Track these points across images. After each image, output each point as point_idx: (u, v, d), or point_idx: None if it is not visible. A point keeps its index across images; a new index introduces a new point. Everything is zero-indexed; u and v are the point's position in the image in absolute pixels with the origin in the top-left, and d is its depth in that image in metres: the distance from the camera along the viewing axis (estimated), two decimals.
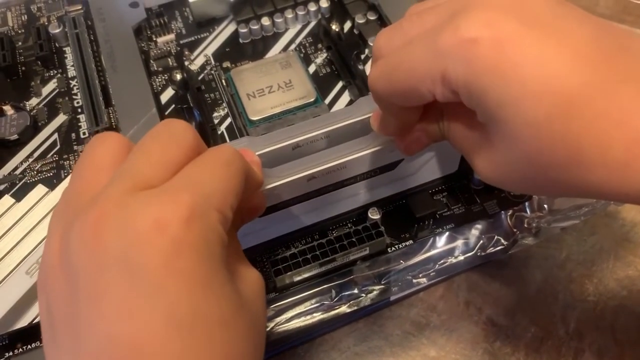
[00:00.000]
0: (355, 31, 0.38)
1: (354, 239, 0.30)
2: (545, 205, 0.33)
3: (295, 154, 0.28)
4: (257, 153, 0.27)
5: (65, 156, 0.34)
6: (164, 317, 0.17)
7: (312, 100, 0.35)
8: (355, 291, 0.31)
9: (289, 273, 0.30)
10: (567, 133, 0.18)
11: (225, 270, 0.19)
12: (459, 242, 0.32)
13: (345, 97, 0.36)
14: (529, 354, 0.31)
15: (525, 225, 0.33)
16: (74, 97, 0.37)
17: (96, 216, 0.18)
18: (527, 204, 0.33)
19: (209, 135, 0.34)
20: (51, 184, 0.33)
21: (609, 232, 0.35)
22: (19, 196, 0.32)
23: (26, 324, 0.28)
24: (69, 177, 0.33)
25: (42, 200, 0.32)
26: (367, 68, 0.36)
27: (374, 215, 0.31)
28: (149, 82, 0.35)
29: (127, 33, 0.38)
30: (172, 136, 0.21)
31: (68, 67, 0.38)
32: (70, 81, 0.38)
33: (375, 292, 0.31)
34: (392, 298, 0.32)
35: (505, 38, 0.18)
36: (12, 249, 0.30)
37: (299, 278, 0.30)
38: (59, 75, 0.38)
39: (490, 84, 0.19)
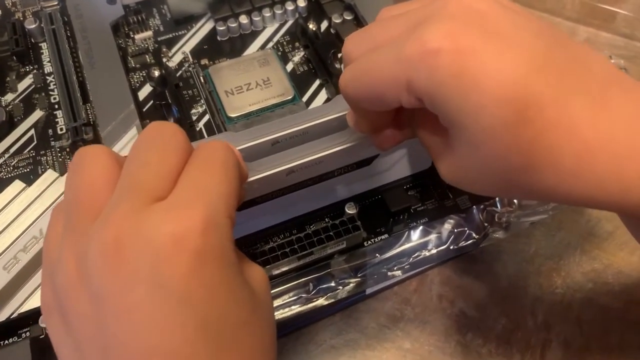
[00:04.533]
0: (332, 30, 0.39)
1: (331, 233, 0.31)
2: (515, 201, 0.35)
3: (274, 150, 0.29)
4: (237, 148, 0.28)
5: (42, 152, 0.34)
6: (194, 326, 0.18)
7: (290, 98, 0.35)
8: (333, 284, 0.31)
9: (267, 267, 0.30)
10: (520, 140, 0.19)
11: (240, 273, 0.20)
12: (432, 236, 0.33)
13: (323, 95, 0.37)
14: (499, 345, 0.32)
15: (496, 220, 0.34)
16: (51, 93, 0.37)
17: (114, 236, 0.18)
18: (497, 198, 0.34)
19: (187, 132, 0.34)
20: (28, 180, 0.33)
21: (575, 227, 0.37)
22: None
23: (4, 319, 0.28)
24: (47, 173, 0.33)
25: (19, 196, 0.32)
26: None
27: (351, 210, 0.32)
28: (127, 78, 0.36)
29: (105, 30, 0.38)
30: (166, 142, 0.21)
31: (44, 63, 0.38)
32: (47, 77, 0.38)
33: (351, 285, 0.32)
34: (368, 291, 0.33)
35: (465, 49, 0.19)
36: None
37: (277, 272, 0.31)
38: (35, 71, 0.38)
39: (451, 92, 0.19)
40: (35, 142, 0.35)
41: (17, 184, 0.32)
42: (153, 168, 0.20)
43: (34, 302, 0.28)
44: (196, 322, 0.18)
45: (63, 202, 0.22)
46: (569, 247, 0.36)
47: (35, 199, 0.32)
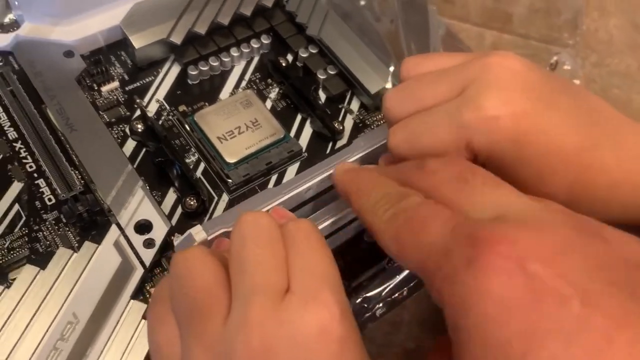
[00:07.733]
0: (299, 64, 0.40)
1: None
2: None
3: (307, 196, 0.30)
4: (276, 203, 0.29)
5: (36, 227, 0.32)
6: None
7: (282, 137, 0.36)
8: None
9: None
10: (563, 183, 0.24)
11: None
12: None
13: (308, 129, 0.38)
14: None
15: None
16: (25, 161, 0.34)
17: (260, 337, 0.19)
18: None
19: (193, 186, 0.34)
20: (37, 262, 0.30)
21: None
22: (2, 281, 0.30)
23: None
24: (59, 252, 0.31)
25: (36, 281, 0.30)
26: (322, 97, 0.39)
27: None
28: (112, 136, 0.34)
29: (72, 86, 0.36)
30: (270, 235, 0.21)
31: (6, 129, 0.35)
32: (14, 144, 0.35)
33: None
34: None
35: (520, 114, 0.24)
36: (17, 343, 0.28)
37: None
38: None
39: (508, 151, 0.24)
40: (25, 218, 0.33)
41: (30, 269, 0.30)
42: (270, 264, 0.21)
43: None
44: None
45: (159, 306, 0.22)
46: None
47: (56, 280, 0.30)
